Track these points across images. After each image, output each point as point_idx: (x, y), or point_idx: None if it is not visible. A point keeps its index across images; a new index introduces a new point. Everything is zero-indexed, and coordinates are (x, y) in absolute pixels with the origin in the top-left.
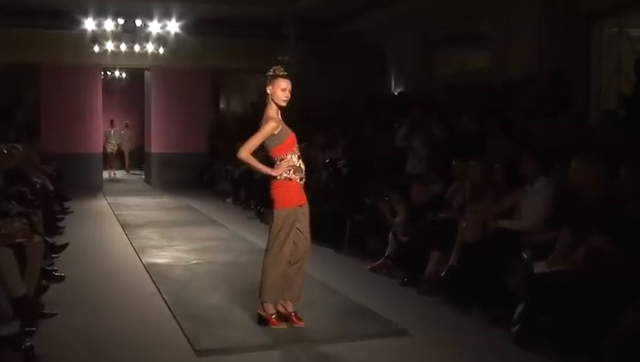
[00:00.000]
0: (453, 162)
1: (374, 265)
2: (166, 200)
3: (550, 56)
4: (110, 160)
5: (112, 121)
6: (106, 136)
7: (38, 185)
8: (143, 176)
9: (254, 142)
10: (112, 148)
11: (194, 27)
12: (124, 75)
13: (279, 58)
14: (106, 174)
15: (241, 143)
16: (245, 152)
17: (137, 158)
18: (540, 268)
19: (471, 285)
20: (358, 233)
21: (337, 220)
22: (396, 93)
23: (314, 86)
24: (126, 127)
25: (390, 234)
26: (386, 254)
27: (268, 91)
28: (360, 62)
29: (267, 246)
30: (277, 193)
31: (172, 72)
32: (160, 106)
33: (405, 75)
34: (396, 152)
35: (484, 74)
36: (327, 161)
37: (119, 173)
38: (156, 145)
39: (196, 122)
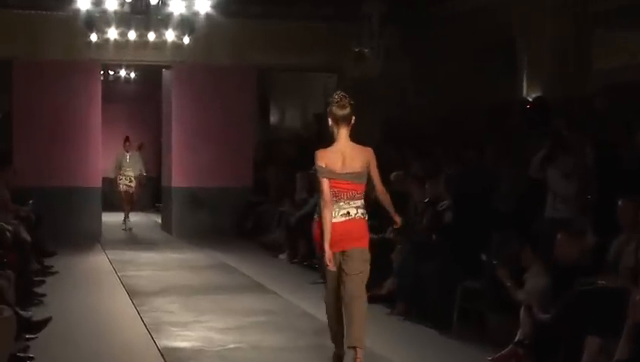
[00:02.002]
0: (619, 203)
1: (499, 355)
2: (192, 255)
3: None
4: (124, 199)
5: (127, 139)
6: (119, 163)
7: (7, 234)
8: (159, 221)
9: None
10: (127, 181)
11: (233, 5)
12: (132, 74)
13: (356, 50)
14: (106, 219)
15: (303, 174)
16: None
17: (150, 194)
18: None
19: None
20: (473, 307)
21: (442, 287)
22: (530, 100)
23: (406, 91)
24: (138, 149)
25: (522, 310)
26: (516, 339)
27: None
28: (475, 56)
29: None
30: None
31: (201, 70)
32: (184, 120)
33: (545, 72)
34: (530, 187)
35: None
36: (426, 200)
37: (135, 218)
38: (179, 175)
39: (236, 143)
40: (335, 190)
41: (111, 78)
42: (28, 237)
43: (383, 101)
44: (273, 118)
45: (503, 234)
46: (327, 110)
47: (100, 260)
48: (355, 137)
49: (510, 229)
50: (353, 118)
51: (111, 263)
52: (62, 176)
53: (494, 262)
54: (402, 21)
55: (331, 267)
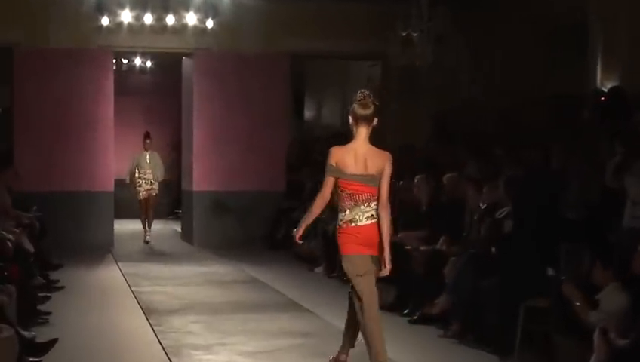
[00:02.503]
0: None
1: None
2: (216, 268)
3: None
4: (144, 207)
5: (147, 136)
6: (136, 164)
7: (8, 244)
8: (179, 230)
9: None
10: (147, 186)
11: None
12: (148, 64)
13: (403, 35)
14: (119, 227)
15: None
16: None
17: (169, 200)
18: None
19: None
20: (538, 328)
21: (503, 306)
22: (605, 91)
23: (460, 81)
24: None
25: (596, 333)
26: None
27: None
28: (540, 41)
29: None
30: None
31: (226, 59)
32: (207, 115)
33: (622, 59)
34: (604, 192)
35: None
36: (483, 206)
37: (157, 227)
38: (201, 178)
39: (267, 141)
40: (350, 192)
41: (124, 68)
42: (31, 248)
43: (434, 93)
44: (308, 114)
45: (573, 246)
46: (350, 108)
47: (111, 274)
48: (402, 134)
49: (581, 240)
50: (375, 119)
51: (124, 277)
52: (69, 179)
53: (562, 278)
54: (456, 1)
55: (298, 241)
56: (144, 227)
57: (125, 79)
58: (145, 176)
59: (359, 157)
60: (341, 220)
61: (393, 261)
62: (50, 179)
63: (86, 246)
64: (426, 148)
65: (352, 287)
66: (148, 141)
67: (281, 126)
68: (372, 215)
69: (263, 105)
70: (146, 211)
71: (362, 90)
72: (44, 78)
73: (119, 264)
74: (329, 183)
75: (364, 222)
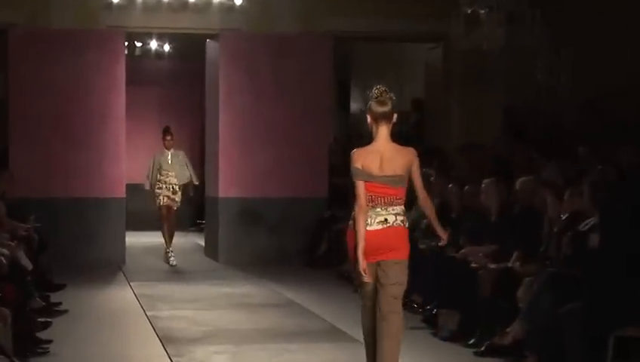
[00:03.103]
0: None
1: None
2: (246, 289)
3: None
4: (165, 218)
5: (167, 132)
6: (156, 166)
7: (2, 260)
8: (202, 243)
9: None
10: (168, 193)
11: None
12: (166, 47)
13: (468, 12)
14: (131, 240)
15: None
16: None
17: (190, 208)
18: None
19: None
20: None
21: (587, 336)
22: None
23: (536, 67)
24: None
25: None
26: None
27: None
28: (633, 20)
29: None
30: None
31: (258, 42)
32: (236, 108)
33: None
34: None
35: None
36: (564, 216)
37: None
38: (228, 183)
39: (306, 139)
40: (371, 194)
41: (138, 53)
42: (29, 264)
43: (505, 81)
44: (355, 107)
45: None
46: (367, 107)
47: (123, 295)
48: (468, 130)
49: None
50: (395, 115)
51: (138, 299)
52: (73, 183)
53: None
54: None
55: (367, 279)
56: (166, 241)
57: (139, 66)
58: (167, 180)
59: (385, 157)
60: (352, 221)
61: (455, 281)
62: (51, 184)
63: (93, 262)
64: (496, 147)
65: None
66: (168, 138)
67: (322, 120)
68: (385, 219)
69: (301, 96)
70: (167, 221)
71: (378, 86)
72: (44, 64)
73: (132, 284)
74: (361, 189)
75: (375, 226)
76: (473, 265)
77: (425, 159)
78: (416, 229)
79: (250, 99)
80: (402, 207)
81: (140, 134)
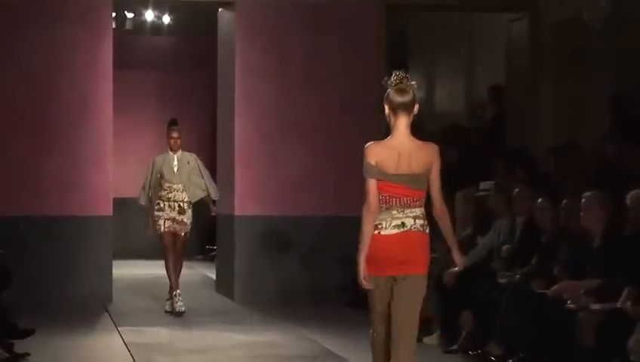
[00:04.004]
0: None
1: None
2: (270, 336)
3: None
4: (169, 248)
5: (172, 127)
6: (156, 173)
7: None
8: (212, 276)
9: None
10: (173, 213)
11: None
12: (165, 19)
13: None
14: (119, 271)
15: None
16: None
17: (197, 230)
18: None
19: None
20: None
21: None
22: None
23: None
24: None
25: None
26: None
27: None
28: None
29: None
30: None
31: (286, 11)
32: (256, 100)
33: None
34: None
35: None
36: None
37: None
38: (247, 197)
39: (348, 141)
40: (385, 195)
41: (129, 27)
42: None
43: (609, 64)
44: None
45: None
46: (384, 96)
47: (109, 343)
48: (563, 126)
49: None
50: (416, 106)
51: (128, 349)
52: (45, 199)
53: None
54: None
55: (367, 286)
56: (171, 280)
57: (131, 44)
58: (171, 195)
59: (403, 153)
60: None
61: (547, 326)
62: (16, 199)
63: (71, 300)
64: (601, 148)
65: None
66: (175, 135)
67: (369, 115)
68: (403, 223)
69: (341, 83)
70: (173, 253)
71: (397, 72)
72: (4, 42)
73: (120, 329)
74: (373, 188)
75: (390, 230)
76: (570, 305)
77: (506, 165)
78: (495, 257)
79: (276, 88)
80: (422, 209)
81: (132, 133)
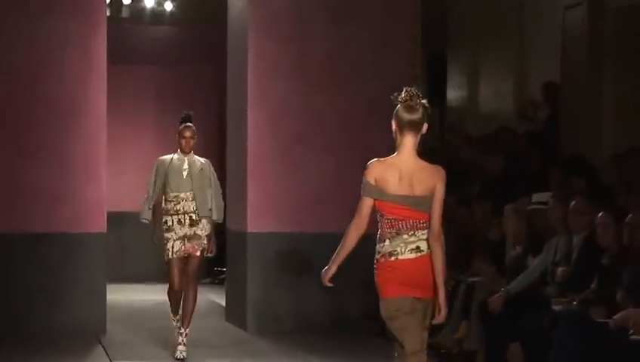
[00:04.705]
0: None
1: None
2: None
3: None
4: (177, 275)
5: (186, 124)
6: (164, 178)
7: None
8: (222, 303)
9: None
10: (184, 229)
11: None
12: (168, 6)
13: None
14: (114, 297)
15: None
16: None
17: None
18: None
19: None
20: None
21: None
22: None
23: None
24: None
25: None
26: None
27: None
28: None
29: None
30: None
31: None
32: (272, 98)
33: None
34: None
35: None
36: None
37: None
38: (261, 211)
39: (379, 147)
40: (390, 218)
41: (125, 15)
42: None
43: None
44: (455, 93)
45: None
46: (394, 112)
47: None
48: (628, 130)
49: None
50: (425, 125)
51: None
52: (29, 214)
53: None
54: None
55: (327, 283)
56: (175, 316)
57: (127, 35)
58: (179, 207)
59: (405, 173)
60: (379, 252)
61: (608, 358)
62: None
63: (59, 330)
64: None
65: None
66: (188, 134)
67: None
68: (418, 247)
69: (371, 81)
70: (180, 283)
71: (408, 88)
72: None
73: None
74: (366, 206)
75: (407, 255)
76: (635, 336)
77: (561, 174)
78: (549, 281)
79: (295, 86)
80: (426, 231)
81: (130, 137)
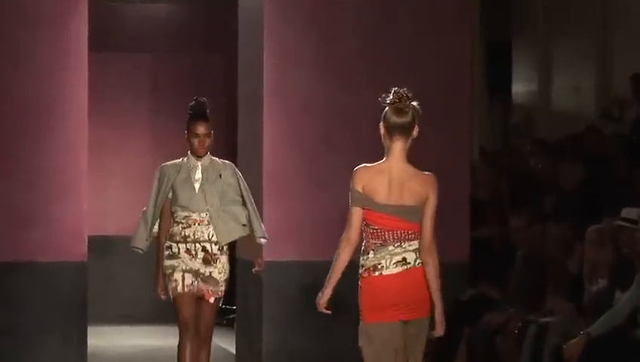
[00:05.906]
0: None
1: None
2: None
3: None
4: (187, 324)
5: (198, 113)
6: (169, 190)
7: None
8: (233, 350)
9: None
10: (197, 262)
11: None
12: None
13: None
14: (96, 342)
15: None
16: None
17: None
18: None
19: None
20: None
21: None
22: None
23: None
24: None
25: None
26: None
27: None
28: None
29: None
30: None
31: None
32: (294, 98)
33: None
34: None
35: None
36: None
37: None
38: (282, 236)
39: (428, 156)
40: (377, 228)
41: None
42: None
43: None
44: (521, 90)
45: None
46: (382, 115)
47: None
48: None
49: None
50: (416, 129)
51: None
52: None
53: None
54: None
55: (322, 309)
56: None
57: (114, 16)
58: (189, 232)
59: (395, 181)
60: (362, 266)
61: None
62: None
63: None
64: None
65: None
66: (202, 129)
67: (458, 117)
68: (404, 259)
69: (414, 76)
70: (194, 331)
71: (397, 89)
72: None
73: None
74: (356, 218)
75: (392, 269)
76: None
77: None
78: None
79: (319, 82)
80: (417, 242)
81: (117, 144)
